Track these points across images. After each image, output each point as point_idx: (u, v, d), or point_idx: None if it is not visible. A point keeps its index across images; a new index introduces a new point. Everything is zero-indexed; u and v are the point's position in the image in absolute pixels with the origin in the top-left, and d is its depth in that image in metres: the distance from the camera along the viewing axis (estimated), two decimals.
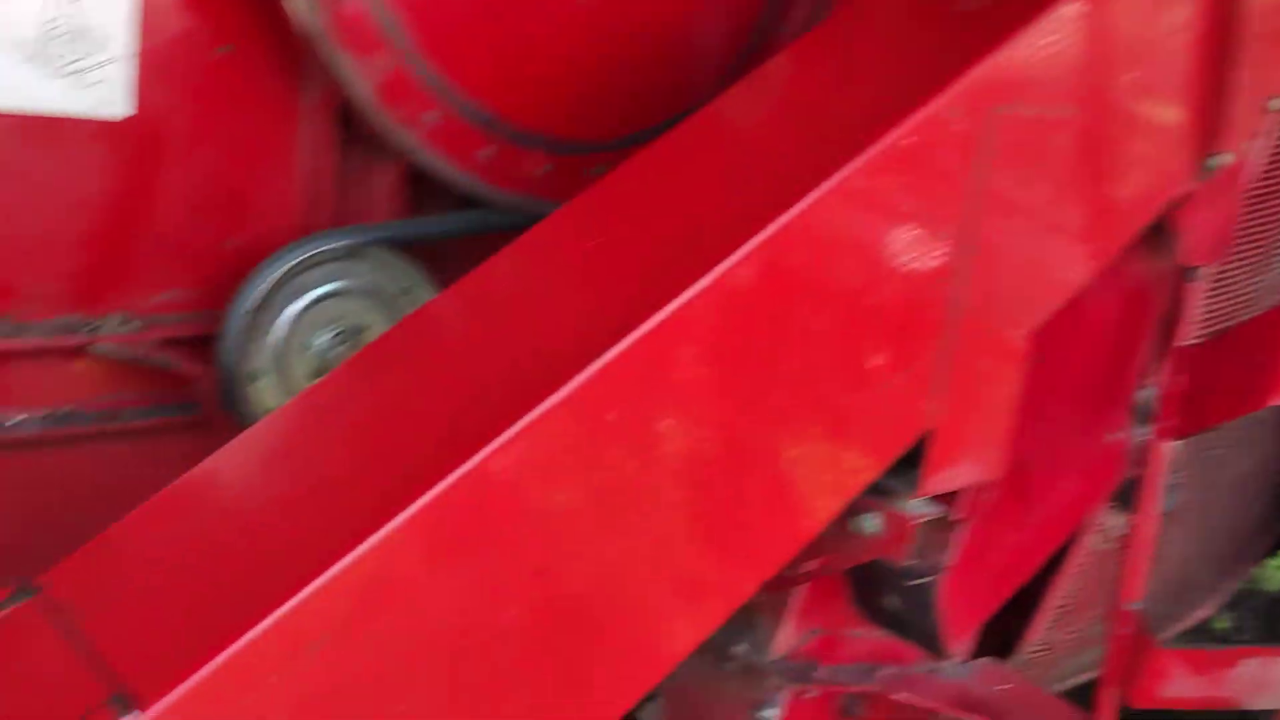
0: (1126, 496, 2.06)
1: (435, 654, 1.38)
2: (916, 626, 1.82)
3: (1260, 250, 2.34)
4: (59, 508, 1.96)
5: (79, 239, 1.97)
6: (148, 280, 2.05)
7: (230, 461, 1.59)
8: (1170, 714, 2.37)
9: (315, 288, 2.11)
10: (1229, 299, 2.30)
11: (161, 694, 1.21)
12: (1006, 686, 1.91)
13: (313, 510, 1.47)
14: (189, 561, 1.44)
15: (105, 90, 1.92)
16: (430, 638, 1.37)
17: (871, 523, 1.70)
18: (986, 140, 1.67)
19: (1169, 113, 1.91)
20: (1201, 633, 3.18)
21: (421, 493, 1.35)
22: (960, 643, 1.86)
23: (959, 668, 1.89)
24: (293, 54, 2.06)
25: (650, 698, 1.88)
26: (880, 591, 1.85)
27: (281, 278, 2.06)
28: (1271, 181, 2.21)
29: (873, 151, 1.58)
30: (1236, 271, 2.31)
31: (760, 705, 1.87)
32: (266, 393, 2.07)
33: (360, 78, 2.02)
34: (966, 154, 1.66)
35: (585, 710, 1.52)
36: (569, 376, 1.43)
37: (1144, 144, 1.90)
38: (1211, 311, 2.23)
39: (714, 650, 1.87)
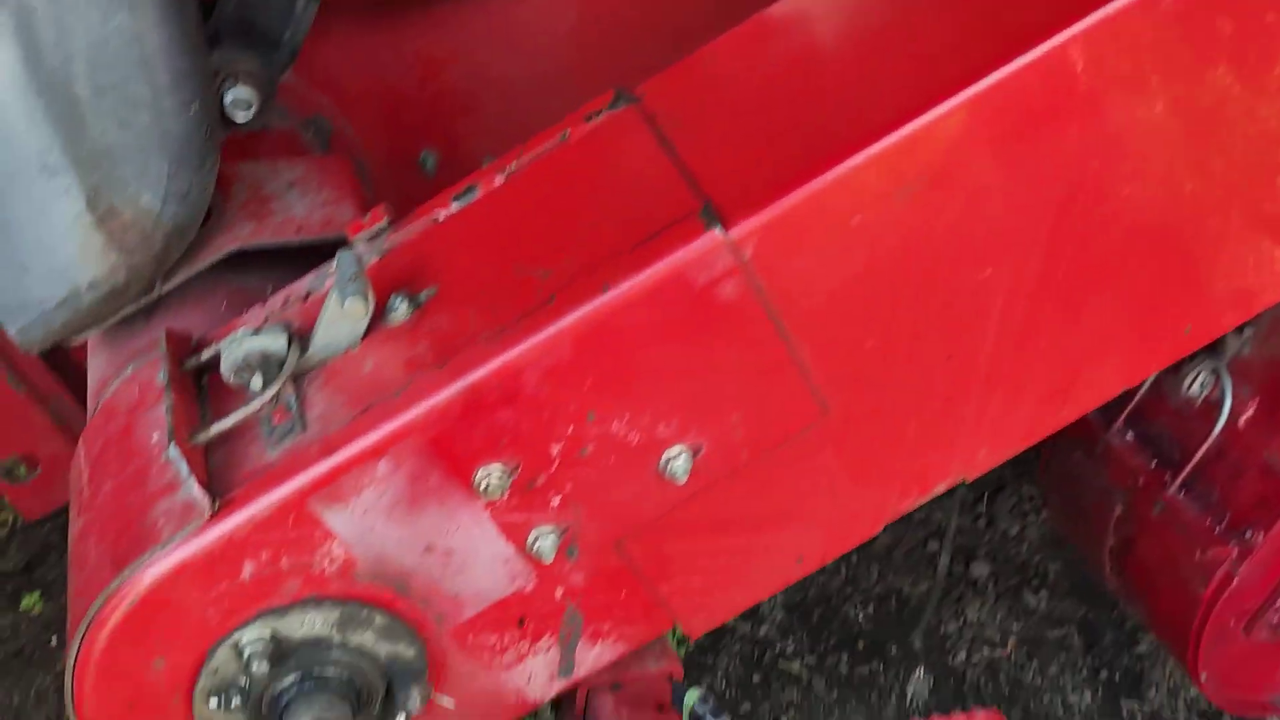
0: None
1: (1010, 233, 1.27)
2: None
3: None
4: (650, 27, 1.98)
5: None
6: None
7: None
8: None
9: None
10: None
11: (746, 214, 1.20)
12: None
13: (896, 59, 1.36)
14: (774, 90, 1.38)
15: None
16: (1005, 218, 1.26)
17: None
18: None
19: None
20: None
21: (997, 66, 1.21)
22: None
23: None
24: None
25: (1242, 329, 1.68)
26: None
27: None
28: None
29: None
30: None
31: None
32: None
33: None
34: None
35: (1163, 333, 1.38)
36: None
37: None
38: None
39: None
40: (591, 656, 1.37)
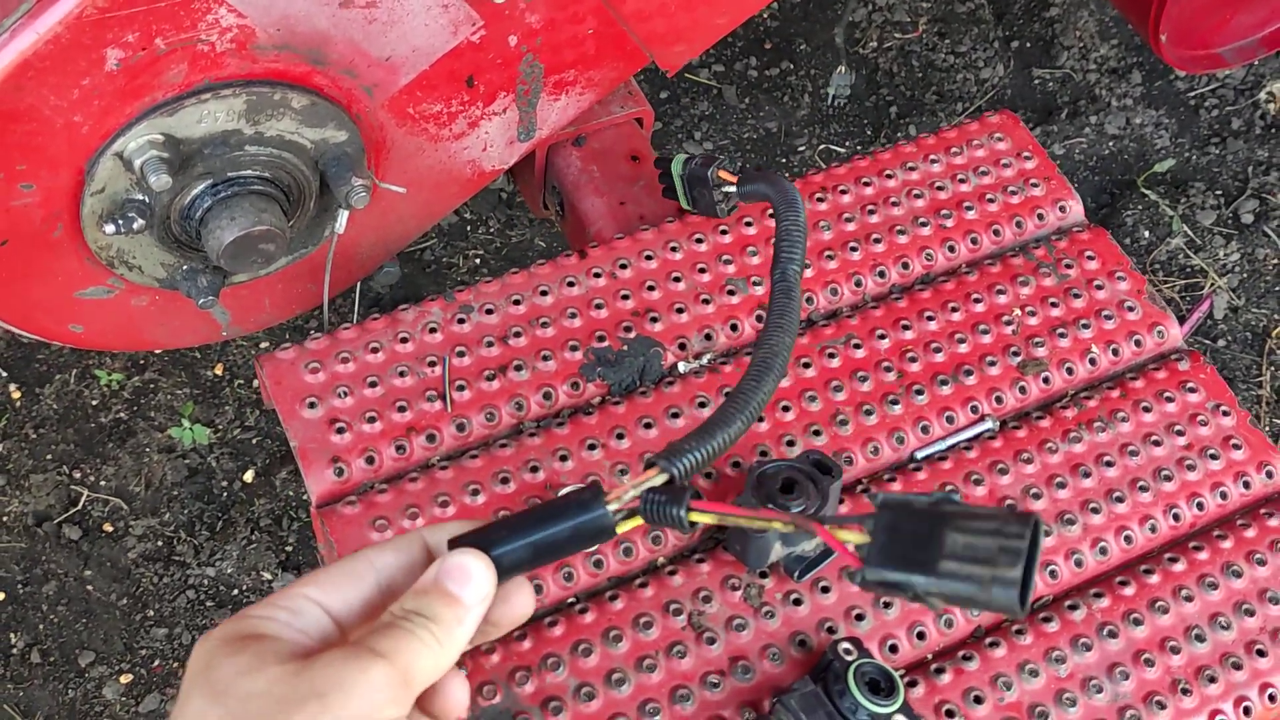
0: None
1: None
2: None
3: None
4: None
5: None
6: None
7: None
8: None
9: None
10: None
11: None
12: None
13: None
14: None
15: None
16: None
17: None
18: None
19: None
20: None
21: None
22: None
23: None
24: None
25: None
26: None
27: None
28: None
29: None
30: None
31: None
32: None
33: None
34: None
35: None
36: None
37: None
38: None
39: None
40: (555, 112, 1.14)
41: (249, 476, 2.02)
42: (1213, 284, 2.32)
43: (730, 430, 0.74)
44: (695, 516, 0.68)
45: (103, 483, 1.99)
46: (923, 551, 0.61)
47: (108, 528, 1.95)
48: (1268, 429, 2.20)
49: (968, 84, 2.55)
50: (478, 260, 2.26)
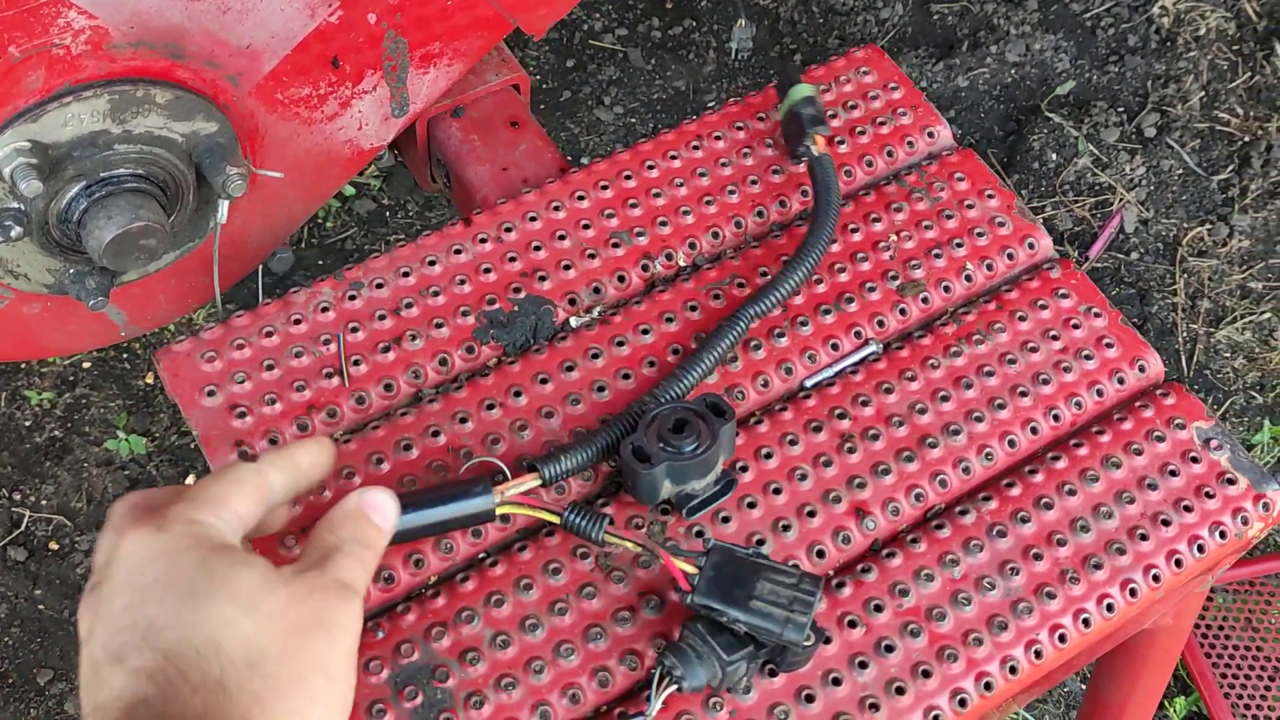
0: None
1: None
2: None
3: None
4: None
5: None
6: None
7: None
8: None
9: None
10: None
11: None
12: None
13: None
14: None
15: None
16: None
17: None
18: None
19: None
20: None
21: None
22: None
23: None
24: None
25: None
26: None
27: None
28: None
29: None
30: None
31: None
32: None
33: None
34: None
35: None
36: None
37: None
38: None
39: None
40: (426, 85, 1.16)
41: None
42: (1121, 199, 2.36)
43: (599, 443, 0.98)
44: (608, 538, 0.94)
45: (44, 502, 2.00)
46: (740, 590, 0.85)
47: (53, 546, 1.97)
48: (1185, 335, 2.26)
49: (868, 25, 2.58)
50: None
